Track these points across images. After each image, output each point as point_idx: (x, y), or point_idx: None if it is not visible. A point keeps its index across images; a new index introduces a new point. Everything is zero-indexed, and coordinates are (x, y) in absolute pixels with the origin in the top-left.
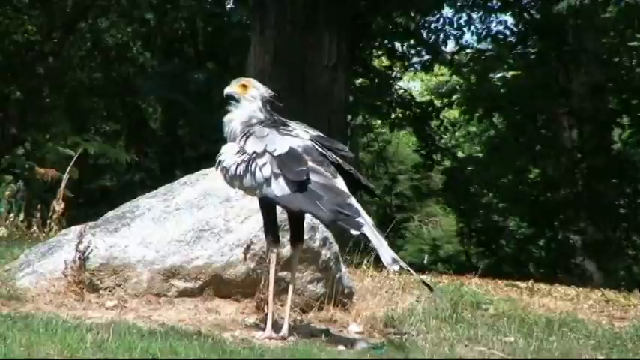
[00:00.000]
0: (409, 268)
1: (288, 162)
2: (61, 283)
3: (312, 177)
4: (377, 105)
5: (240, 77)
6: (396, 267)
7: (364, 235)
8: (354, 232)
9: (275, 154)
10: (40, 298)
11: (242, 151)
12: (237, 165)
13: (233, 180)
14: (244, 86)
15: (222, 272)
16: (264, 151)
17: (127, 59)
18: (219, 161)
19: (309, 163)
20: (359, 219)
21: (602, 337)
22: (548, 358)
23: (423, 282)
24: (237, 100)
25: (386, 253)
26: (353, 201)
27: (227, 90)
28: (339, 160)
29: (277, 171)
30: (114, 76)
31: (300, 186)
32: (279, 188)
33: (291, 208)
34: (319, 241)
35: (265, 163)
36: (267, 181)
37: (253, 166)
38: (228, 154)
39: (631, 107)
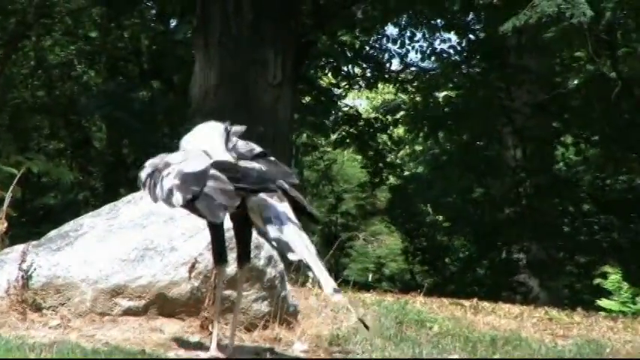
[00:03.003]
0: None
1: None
2: (4, 302)
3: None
4: (321, 123)
5: None
6: (339, 297)
7: (300, 261)
8: (291, 256)
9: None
10: None
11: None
12: (148, 176)
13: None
14: None
15: (167, 291)
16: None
17: (71, 77)
18: (139, 176)
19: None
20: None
21: (545, 355)
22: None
23: (362, 321)
24: None
25: (326, 282)
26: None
27: None
28: (286, 186)
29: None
30: (57, 95)
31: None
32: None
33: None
34: (264, 259)
35: (169, 174)
36: (170, 191)
37: (159, 177)
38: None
39: (573, 126)
